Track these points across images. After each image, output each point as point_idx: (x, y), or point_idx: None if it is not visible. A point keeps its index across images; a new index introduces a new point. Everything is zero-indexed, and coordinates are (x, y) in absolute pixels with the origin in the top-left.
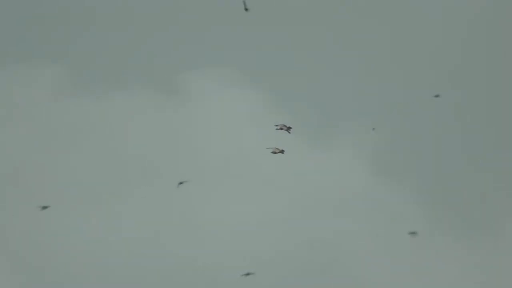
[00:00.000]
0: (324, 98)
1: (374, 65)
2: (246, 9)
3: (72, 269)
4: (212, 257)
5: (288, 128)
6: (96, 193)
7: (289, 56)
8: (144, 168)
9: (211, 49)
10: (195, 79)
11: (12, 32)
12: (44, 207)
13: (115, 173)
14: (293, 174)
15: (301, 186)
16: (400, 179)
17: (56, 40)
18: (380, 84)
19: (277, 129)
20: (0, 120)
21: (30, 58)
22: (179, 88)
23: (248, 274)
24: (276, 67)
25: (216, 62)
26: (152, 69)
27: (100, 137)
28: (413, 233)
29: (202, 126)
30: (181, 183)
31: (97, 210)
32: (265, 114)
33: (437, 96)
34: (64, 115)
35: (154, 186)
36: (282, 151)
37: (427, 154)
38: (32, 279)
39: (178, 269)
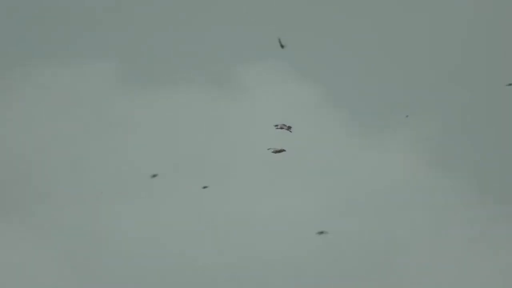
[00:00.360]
0: (377, 92)
1: (426, 58)
2: (282, 46)
3: (120, 263)
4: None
5: (289, 127)
6: (146, 187)
7: (343, 50)
8: (194, 162)
9: (265, 43)
10: (248, 73)
11: (65, 29)
12: (154, 175)
13: (166, 167)
14: (346, 168)
15: (354, 181)
16: (457, 172)
17: (107, 35)
18: (435, 77)
19: (277, 128)
20: (51, 115)
21: (81, 54)
22: (232, 81)
23: (321, 232)
24: (329, 61)
25: (270, 56)
26: (206, 62)
27: (152, 132)
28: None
29: (255, 121)
30: (205, 187)
31: (147, 204)
32: (318, 109)
33: (510, 84)
34: (116, 110)
35: (205, 180)
36: (283, 150)
37: (485, 147)
38: (78, 271)
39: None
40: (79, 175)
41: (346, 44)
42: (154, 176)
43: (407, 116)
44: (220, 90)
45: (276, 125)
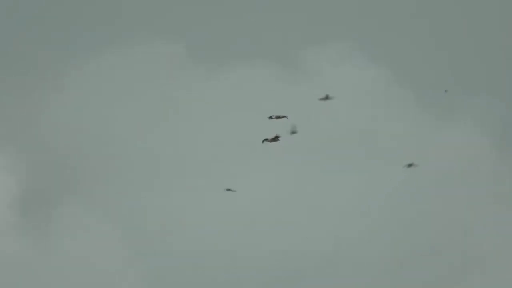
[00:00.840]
0: (446, 74)
1: (495, 40)
2: (293, 132)
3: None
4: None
5: (283, 117)
6: (213, 167)
7: (410, 30)
8: (258, 141)
9: (332, 24)
10: (315, 54)
11: (131, 11)
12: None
13: (234, 147)
14: (416, 149)
15: (425, 160)
16: None
17: (175, 15)
18: (505, 59)
19: (272, 118)
20: (120, 96)
21: (149, 35)
22: (299, 63)
23: (410, 165)
24: (395, 43)
25: (337, 37)
26: (272, 45)
27: (219, 112)
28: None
29: (320, 101)
30: (228, 189)
31: (215, 185)
32: (385, 90)
33: None
34: (184, 90)
35: (268, 160)
36: (277, 138)
37: None
38: (139, 251)
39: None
40: (144, 155)
41: (413, 25)
42: (228, 190)
43: (446, 91)
44: (287, 72)
45: (271, 116)
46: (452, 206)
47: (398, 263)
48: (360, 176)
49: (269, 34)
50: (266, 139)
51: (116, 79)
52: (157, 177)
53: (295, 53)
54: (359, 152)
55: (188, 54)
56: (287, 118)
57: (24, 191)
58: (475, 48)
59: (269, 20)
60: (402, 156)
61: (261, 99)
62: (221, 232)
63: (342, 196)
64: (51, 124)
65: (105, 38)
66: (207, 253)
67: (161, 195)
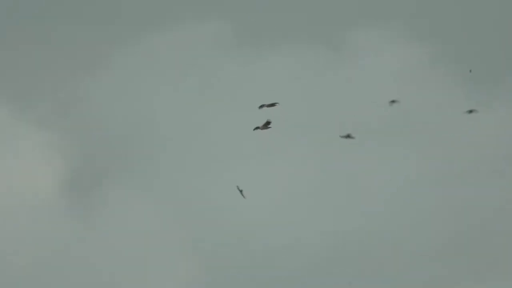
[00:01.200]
0: (488, 55)
1: None
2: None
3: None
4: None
5: (275, 104)
6: (253, 150)
7: (453, 10)
8: (305, 123)
9: (378, 4)
10: (361, 35)
11: None
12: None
13: (278, 128)
14: (460, 128)
15: (469, 142)
16: None
17: None
18: None
19: (263, 107)
20: (163, 75)
21: (196, 16)
22: (344, 44)
23: (471, 111)
24: (440, 23)
25: (382, 17)
26: (317, 24)
27: (262, 93)
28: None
29: (366, 83)
30: (240, 190)
31: (254, 168)
32: (430, 70)
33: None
34: (227, 70)
35: (315, 141)
36: (268, 124)
37: None
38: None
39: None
40: (191, 137)
41: (457, 3)
42: (241, 191)
43: (470, 71)
44: (331, 53)
45: (262, 106)
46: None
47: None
48: (406, 154)
49: (315, 16)
50: (257, 127)
51: (163, 59)
52: (205, 158)
53: (341, 34)
54: (404, 132)
55: (235, 36)
56: (278, 104)
57: (73, 170)
58: None
59: (314, 1)
60: (448, 134)
61: (307, 80)
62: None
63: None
64: (100, 103)
65: (152, 19)
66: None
67: (212, 177)
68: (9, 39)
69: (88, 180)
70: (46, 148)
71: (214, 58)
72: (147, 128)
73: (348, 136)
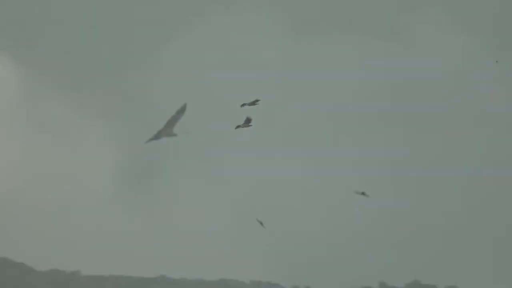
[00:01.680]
0: None
1: None
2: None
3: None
4: None
5: (255, 101)
6: (316, 137)
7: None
8: (362, 113)
9: None
10: (412, 23)
11: None
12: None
13: (336, 116)
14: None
15: None
16: None
17: None
18: None
19: (244, 106)
20: (216, 64)
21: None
22: (397, 32)
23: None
24: (490, 12)
25: (429, 4)
26: (371, 13)
27: (320, 81)
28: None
29: (418, 72)
30: (260, 222)
31: (315, 156)
32: (481, 59)
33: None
34: (282, 57)
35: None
36: (249, 122)
37: None
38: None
39: None
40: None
41: None
42: (260, 223)
43: (496, 61)
44: (382, 40)
45: (243, 105)
46: None
47: None
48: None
49: (363, 3)
50: (238, 126)
51: (223, 44)
52: (273, 146)
53: (390, 21)
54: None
55: (290, 24)
56: (259, 101)
57: (131, 162)
58: None
59: None
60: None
61: (356, 67)
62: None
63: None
64: (157, 94)
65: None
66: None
67: (281, 165)
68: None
69: (146, 172)
70: (104, 140)
71: (270, 46)
72: (210, 114)
73: (362, 194)
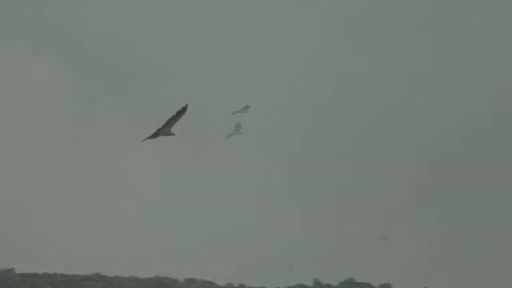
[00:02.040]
0: None
1: None
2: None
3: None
4: None
5: (246, 107)
6: None
7: None
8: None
9: None
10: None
11: None
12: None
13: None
14: None
15: None
16: None
17: None
18: None
19: (235, 113)
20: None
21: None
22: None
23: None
24: None
25: None
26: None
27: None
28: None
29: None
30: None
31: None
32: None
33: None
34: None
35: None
36: (238, 127)
37: None
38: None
39: None
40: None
41: None
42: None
43: None
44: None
45: (234, 112)
46: None
47: None
48: None
49: None
50: (230, 135)
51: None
52: None
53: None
54: None
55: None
56: (249, 106)
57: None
58: None
59: None
60: None
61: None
62: None
63: None
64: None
65: None
66: None
67: None
68: None
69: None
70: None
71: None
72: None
73: (384, 238)
